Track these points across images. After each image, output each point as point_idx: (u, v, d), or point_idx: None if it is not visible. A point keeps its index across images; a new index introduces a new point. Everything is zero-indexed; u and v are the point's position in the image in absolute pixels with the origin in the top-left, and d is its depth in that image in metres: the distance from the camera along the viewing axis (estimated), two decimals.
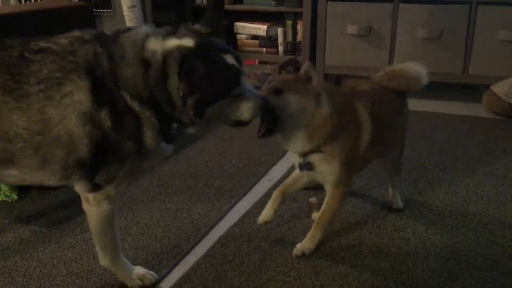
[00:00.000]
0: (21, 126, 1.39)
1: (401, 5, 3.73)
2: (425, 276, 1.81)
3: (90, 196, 1.58)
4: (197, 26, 1.50)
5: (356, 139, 1.86)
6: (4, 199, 2.32)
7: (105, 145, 1.45)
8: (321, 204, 1.96)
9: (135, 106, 1.46)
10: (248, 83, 1.56)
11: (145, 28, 1.50)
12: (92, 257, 1.93)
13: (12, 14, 2.62)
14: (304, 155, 1.83)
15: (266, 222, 1.97)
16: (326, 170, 1.85)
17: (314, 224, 1.95)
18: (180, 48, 1.42)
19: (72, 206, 2.27)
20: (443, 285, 1.76)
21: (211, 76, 1.43)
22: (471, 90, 3.89)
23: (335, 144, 1.81)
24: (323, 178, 1.90)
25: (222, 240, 2.04)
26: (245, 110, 1.55)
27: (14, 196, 2.33)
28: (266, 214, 1.97)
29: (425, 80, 2.14)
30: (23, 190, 2.37)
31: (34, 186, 2.33)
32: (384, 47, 3.84)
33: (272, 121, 1.73)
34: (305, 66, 1.78)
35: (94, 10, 3.86)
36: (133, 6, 3.90)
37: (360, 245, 2.00)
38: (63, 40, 1.45)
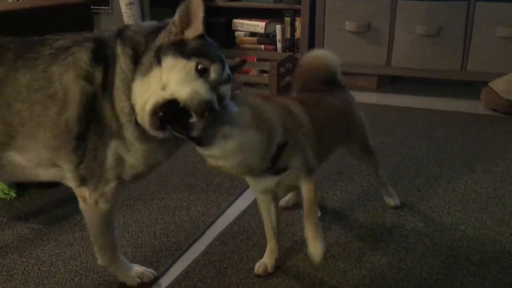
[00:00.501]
0: (23, 83, 1.47)
1: (399, 2, 3.74)
2: (424, 273, 1.81)
3: (86, 195, 1.56)
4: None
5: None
6: (3, 197, 2.32)
7: (91, 106, 1.46)
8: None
9: (120, 49, 1.48)
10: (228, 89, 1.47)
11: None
12: (91, 254, 1.92)
13: (10, 11, 2.61)
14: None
15: (269, 273, 1.81)
16: (292, 176, 1.69)
17: (308, 221, 1.68)
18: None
19: (70, 204, 2.26)
20: (441, 281, 1.76)
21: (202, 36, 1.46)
22: (470, 87, 3.90)
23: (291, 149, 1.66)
24: (291, 181, 1.73)
25: (221, 237, 2.04)
26: (188, 86, 1.38)
27: (13, 194, 2.33)
28: (268, 265, 1.82)
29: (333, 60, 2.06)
30: (21, 188, 2.37)
31: (33, 183, 2.33)
32: (382, 44, 3.84)
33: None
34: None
35: (92, 7, 3.84)
36: (131, 3, 3.90)
37: (358, 242, 2.00)
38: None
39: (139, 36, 1.49)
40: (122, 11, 4.01)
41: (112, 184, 1.55)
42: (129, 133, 1.49)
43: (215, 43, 1.51)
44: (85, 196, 1.57)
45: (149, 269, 1.81)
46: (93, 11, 3.77)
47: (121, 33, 1.51)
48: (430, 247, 1.96)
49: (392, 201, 2.23)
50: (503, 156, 2.76)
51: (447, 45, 3.70)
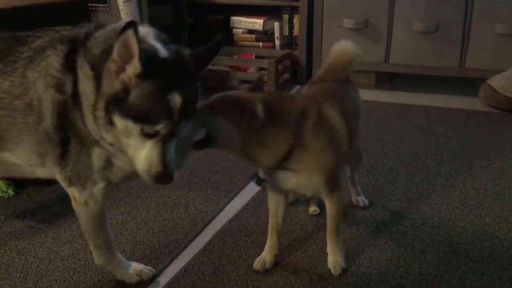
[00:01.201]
0: (4, 90, 1.45)
1: None
2: (423, 269, 1.81)
3: (76, 195, 1.56)
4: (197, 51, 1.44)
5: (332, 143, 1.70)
6: (1, 194, 2.31)
7: (64, 115, 1.44)
8: (319, 197, 1.95)
9: (79, 64, 1.40)
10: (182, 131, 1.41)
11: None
12: (89, 252, 1.91)
13: (7, 9, 2.60)
14: (271, 169, 1.66)
15: (267, 270, 1.81)
16: (311, 177, 1.66)
17: (328, 236, 1.81)
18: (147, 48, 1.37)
19: (68, 202, 2.26)
20: (440, 278, 1.76)
21: (142, 80, 1.31)
22: (468, 84, 3.89)
23: (303, 152, 1.63)
24: (312, 190, 1.74)
25: (220, 235, 2.04)
26: (142, 160, 1.37)
27: (11, 192, 2.32)
28: (267, 261, 1.82)
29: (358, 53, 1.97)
30: (19, 185, 2.36)
31: (30, 181, 2.33)
32: (381, 40, 3.84)
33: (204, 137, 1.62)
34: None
35: (90, 4, 3.83)
36: (128, 1, 3.88)
37: (357, 238, 2.00)
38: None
39: (98, 49, 1.39)
40: (120, 8, 3.99)
41: (100, 185, 1.55)
42: (108, 148, 1.46)
43: (169, 68, 1.36)
44: (75, 196, 1.57)
45: (147, 267, 1.80)
46: (90, 8, 3.77)
47: (88, 38, 1.42)
48: (428, 243, 1.96)
49: (361, 200, 2.21)
50: (502, 152, 2.76)
51: (445, 42, 3.70)
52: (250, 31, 4.34)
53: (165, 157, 1.37)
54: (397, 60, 3.85)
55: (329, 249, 1.82)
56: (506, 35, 3.54)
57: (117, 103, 1.33)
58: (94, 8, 4.12)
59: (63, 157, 1.49)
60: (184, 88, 1.35)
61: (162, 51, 1.37)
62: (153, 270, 1.80)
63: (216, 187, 2.41)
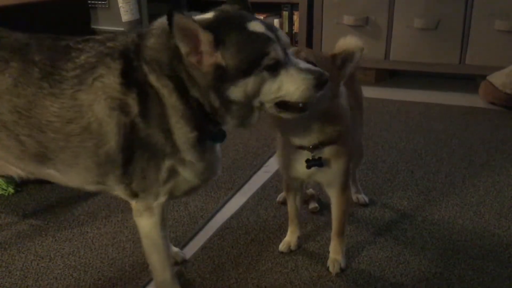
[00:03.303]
0: (54, 113, 1.37)
1: None
2: (422, 266, 1.81)
3: (133, 206, 1.50)
4: (224, 6, 1.40)
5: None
6: (1, 192, 2.32)
7: (133, 136, 1.36)
8: (319, 195, 1.96)
9: (155, 81, 1.33)
10: (296, 58, 1.36)
11: None
12: (89, 250, 1.93)
13: (7, 6, 2.59)
14: (314, 148, 1.61)
15: (291, 250, 1.91)
16: (337, 166, 1.66)
17: (333, 236, 1.82)
18: (198, 20, 1.31)
19: (69, 200, 2.27)
20: (440, 275, 1.77)
21: (226, 43, 1.27)
22: (468, 81, 3.89)
23: (346, 139, 1.65)
24: (329, 179, 1.71)
25: (220, 232, 2.04)
26: (291, 87, 1.31)
27: (11, 190, 2.32)
28: (292, 243, 1.92)
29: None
30: (20, 183, 2.36)
31: (31, 179, 2.32)
32: (380, 37, 3.83)
33: None
34: (351, 50, 1.56)
35: (89, 2, 3.83)
36: None
37: (357, 236, 2.00)
38: (108, 33, 1.45)
39: (164, 58, 1.33)
40: (119, 5, 3.99)
41: (161, 199, 1.47)
42: (190, 155, 1.40)
43: (246, 13, 1.36)
44: (134, 207, 1.51)
45: None
46: (90, 5, 3.76)
47: (140, 51, 1.35)
48: (428, 240, 1.96)
49: (361, 198, 2.21)
50: (501, 149, 2.76)
51: (445, 39, 3.69)
52: None
53: (301, 64, 1.33)
54: (397, 57, 3.84)
55: (331, 248, 1.83)
56: (506, 31, 3.53)
57: (222, 81, 1.29)
58: (93, 5, 4.12)
59: (126, 176, 1.42)
60: (250, 16, 1.34)
61: (211, 13, 1.35)
62: None
63: (216, 185, 2.41)
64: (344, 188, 1.73)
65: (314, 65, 1.42)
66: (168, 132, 1.36)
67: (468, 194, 2.30)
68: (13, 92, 1.38)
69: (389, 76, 4.15)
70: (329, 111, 1.56)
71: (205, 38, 1.25)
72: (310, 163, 1.63)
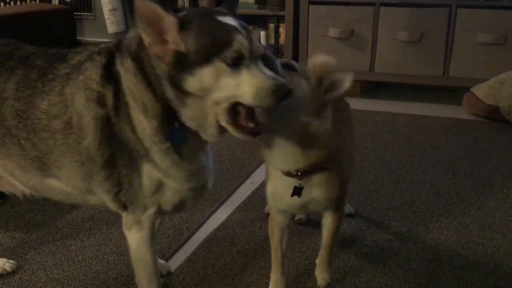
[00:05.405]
0: (43, 110, 1.40)
1: (382, 8, 3.77)
2: (408, 277, 1.82)
3: (124, 218, 1.48)
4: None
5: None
6: None
7: (108, 131, 1.34)
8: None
9: (119, 65, 1.32)
10: (261, 62, 1.27)
11: None
12: (72, 263, 1.90)
13: None
14: (301, 174, 1.47)
15: None
16: (329, 194, 1.53)
17: (323, 252, 1.70)
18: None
19: (52, 212, 2.24)
20: (425, 285, 1.77)
21: (189, 26, 1.22)
22: (452, 92, 3.94)
23: (337, 164, 1.52)
24: (323, 207, 1.59)
25: (205, 244, 2.03)
26: (247, 86, 1.21)
27: None
28: (278, 284, 1.69)
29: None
30: (2, 195, 2.32)
31: None
32: (365, 49, 3.87)
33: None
34: (345, 76, 1.45)
35: (75, 13, 3.83)
36: (114, 10, 3.88)
37: (343, 246, 2.00)
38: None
39: (134, 44, 1.31)
40: (105, 17, 3.99)
41: (150, 211, 1.44)
42: (159, 159, 1.35)
43: (224, 10, 1.30)
44: (124, 219, 1.49)
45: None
46: (76, 17, 3.76)
47: (120, 43, 1.36)
48: (413, 251, 1.97)
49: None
50: (485, 160, 2.79)
51: (429, 51, 3.74)
52: None
53: (266, 71, 1.24)
54: (381, 69, 3.88)
55: (320, 261, 1.72)
56: (489, 44, 3.59)
57: (180, 70, 1.22)
58: (79, 17, 4.12)
59: (111, 182, 1.39)
60: (231, 15, 1.28)
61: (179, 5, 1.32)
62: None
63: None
64: (338, 209, 1.62)
65: (294, 69, 1.39)
66: (132, 124, 1.33)
67: (453, 204, 2.32)
68: (15, 96, 1.43)
69: (374, 87, 4.19)
70: (310, 133, 1.42)
71: (169, 22, 1.21)
72: (294, 191, 1.49)
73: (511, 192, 2.42)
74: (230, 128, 1.29)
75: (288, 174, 1.48)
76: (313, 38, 3.96)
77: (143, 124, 1.32)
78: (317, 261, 1.74)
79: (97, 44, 1.45)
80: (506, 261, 1.90)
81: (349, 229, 2.12)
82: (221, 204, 2.35)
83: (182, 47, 1.22)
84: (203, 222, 2.19)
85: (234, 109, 1.27)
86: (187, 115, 1.29)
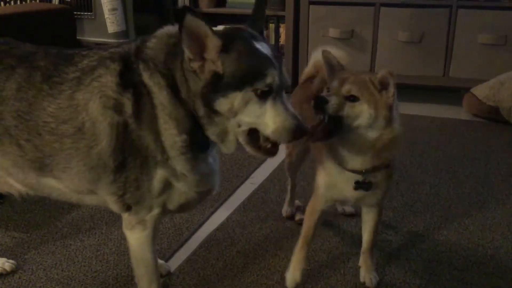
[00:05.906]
0: (50, 113, 1.39)
1: (382, 8, 3.76)
2: (407, 277, 1.82)
3: (125, 218, 1.49)
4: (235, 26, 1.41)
5: None
6: None
7: (125, 137, 1.35)
8: (304, 206, 1.95)
9: (148, 78, 1.34)
10: (287, 98, 1.34)
11: None
12: (72, 262, 1.90)
13: None
14: (367, 172, 1.56)
15: (298, 285, 1.74)
16: (384, 189, 1.64)
17: (365, 251, 1.79)
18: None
19: (52, 212, 2.24)
20: (425, 286, 1.77)
21: (230, 49, 1.27)
22: (452, 93, 3.94)
23: (395, 161, 1.64)
24: (375, 201, 1.67)
25: (205, 244, 2.03)
26: (270, 120, 1.29)
27: None
28: (294, 276, 1.73)
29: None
30: (1, 195, 2.33)
31: None
32: (366, 50, 3.87)
33: (334, 124, 1.49)
34: (383, 72, 1.59)
35: (75, 13, 3.82)
36: (114, 9, 3.88)
37: (342, 247, 2.00)
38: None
39: (161, 56, 1.34)
40: (105, 17, 3.99)
41: (155, 211, 1.45)
42: (181, 165, 1.38)
43: (256, 34, 1.35)
44: (125, 218, 1.49)
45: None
46: (76, 17, 3.76)
47: (140, 52, 1.37)
48: (413, 252, 1.97)
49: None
50: (485, 161, 2.79)
51: (429, 52, 3.74)
52: None
53: (289, 107, 1.31)
54: (381, 69, 3.87)
55: (363, 263, 1.79)
56: (489, 45, 3.59)
57: (214, 90, 1.27)
58: (79, 17, 4.11)
59: (118, 185, 1.40)
60: (263, 39, 1.34)
61: (221, 27, 1.35)
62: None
63: None
64: (382, 206, 1.74)
65: (354, 99, 1.50)
66: (157, 134, 1.35)
67: (453, 205, 2.32)
68: (16, 96, 1.41)
69: None
70: (382, 142, 1.53)
71: (213, 43, 1.26)
72: (358, 185, 1.57)
73: (511, 193, 2.42)
74: (248, 148, 1.37)
75: (353, 171, 1.57)
76: (313, 38, 3.95)
77: (174, 138, 1.35)
78: (361, 261, 1.81)
79: (105, 47, 1.44)
80: (506, 262, 1.90)
81: (349, 230, 2.12)
82: (221, 204, 2.35)
83: (219, 69, 1.27)
84: (203, 222, 2.19)
85: (254, 130, 1.33)
86: (212, 130, 1.36)
